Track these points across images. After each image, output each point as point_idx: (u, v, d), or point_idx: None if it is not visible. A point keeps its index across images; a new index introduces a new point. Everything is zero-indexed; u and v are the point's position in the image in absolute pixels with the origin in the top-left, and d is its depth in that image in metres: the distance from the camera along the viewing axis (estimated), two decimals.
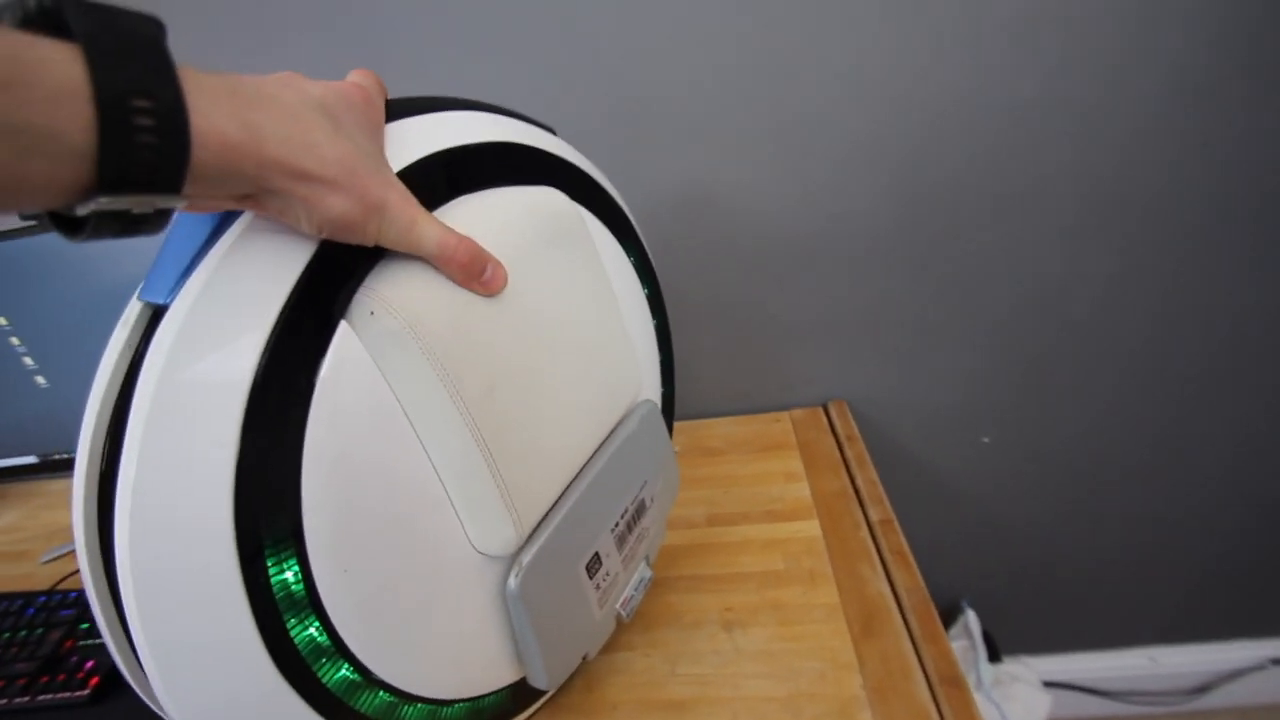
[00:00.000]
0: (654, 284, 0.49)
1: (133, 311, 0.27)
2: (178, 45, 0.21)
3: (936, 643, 0.46)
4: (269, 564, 0.26)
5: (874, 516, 0.58)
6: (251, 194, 0.24)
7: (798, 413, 0.76)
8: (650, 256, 0.49)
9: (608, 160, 0.48)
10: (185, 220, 0.27)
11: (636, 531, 0.45)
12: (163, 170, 0.20)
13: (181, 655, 0.26)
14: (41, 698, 0.51)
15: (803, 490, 0.63)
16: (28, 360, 0.66)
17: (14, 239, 0.60)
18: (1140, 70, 0.59)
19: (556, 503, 0.37)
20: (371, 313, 0.28)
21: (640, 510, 0.45)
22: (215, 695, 0.27)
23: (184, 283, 0.26)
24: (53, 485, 0.87)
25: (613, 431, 0.42)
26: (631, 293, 0.46)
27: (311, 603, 0.28)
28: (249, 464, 0.25)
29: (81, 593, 0.60)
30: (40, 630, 0.56)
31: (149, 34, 0.20)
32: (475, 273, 0.31)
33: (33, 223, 0.60)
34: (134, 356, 0.27)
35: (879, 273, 0.70)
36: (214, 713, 0.27)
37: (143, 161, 0.20)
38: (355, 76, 0.30)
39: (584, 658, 0.42)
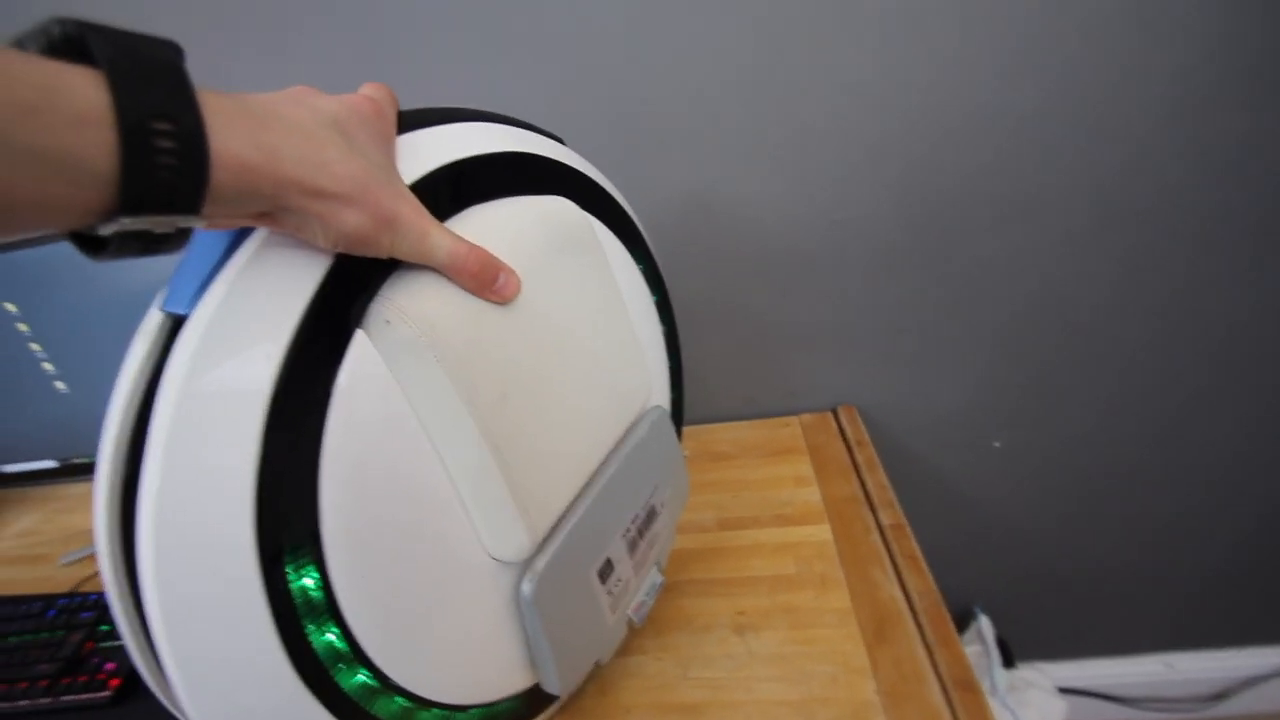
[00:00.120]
0: (663, 291, 0.50)
1: (153, 322, 0.28)
2: (193, 53, 0.21)
3: (950, 647, 0.46)
4: (288, 571, 0.27)
5: (885, 521, 0.58)
6: (268, 211, 0.24)
7: (807, 417, 0.76)
8: (659, 264, 0.49)
9: (616, 169, 0.48)
10: (204, 235, 0.28)
11: (648, 537, 0.45)
12: (182, 191, 0.21)
13: (204, 661, 0.26)
14: (64, 698, 0.52)
15: (813, 494, 0.63)
16: (47, 366, 0.67)
17: (34, 247, 0.61)
18: (1143, 78, 0.59)
19: (569, 509, 0.38)
20: (387, 322, 0.29)
21: (651, 516, 0.45)
22: (236, 700, 0.27)
23: (204, 295, 0.27)
24: (70, 489, 0.88)
25: (623, 438, 0.43)
26: (640, 300, 0.46)
27: (330, 609, 0.28)
28: (269, 471, 0.26)
29: (101, 595, 0.61)
30: (61, 632, 0.57)
31: (168, 59, 0.21)
32: (487, 281, 0.31)
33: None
34: (155, 366, 0.27)
35: (886, 278, 0.70)
36: (234, 718, 0.27)
37: (163, 183, 0.20)
38: (367, 89, 0.31)
39: (596, 663, 0.42)
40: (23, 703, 0.52)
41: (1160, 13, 0.56)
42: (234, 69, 0.64)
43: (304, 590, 0.27)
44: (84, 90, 0.19)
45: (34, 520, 0.83)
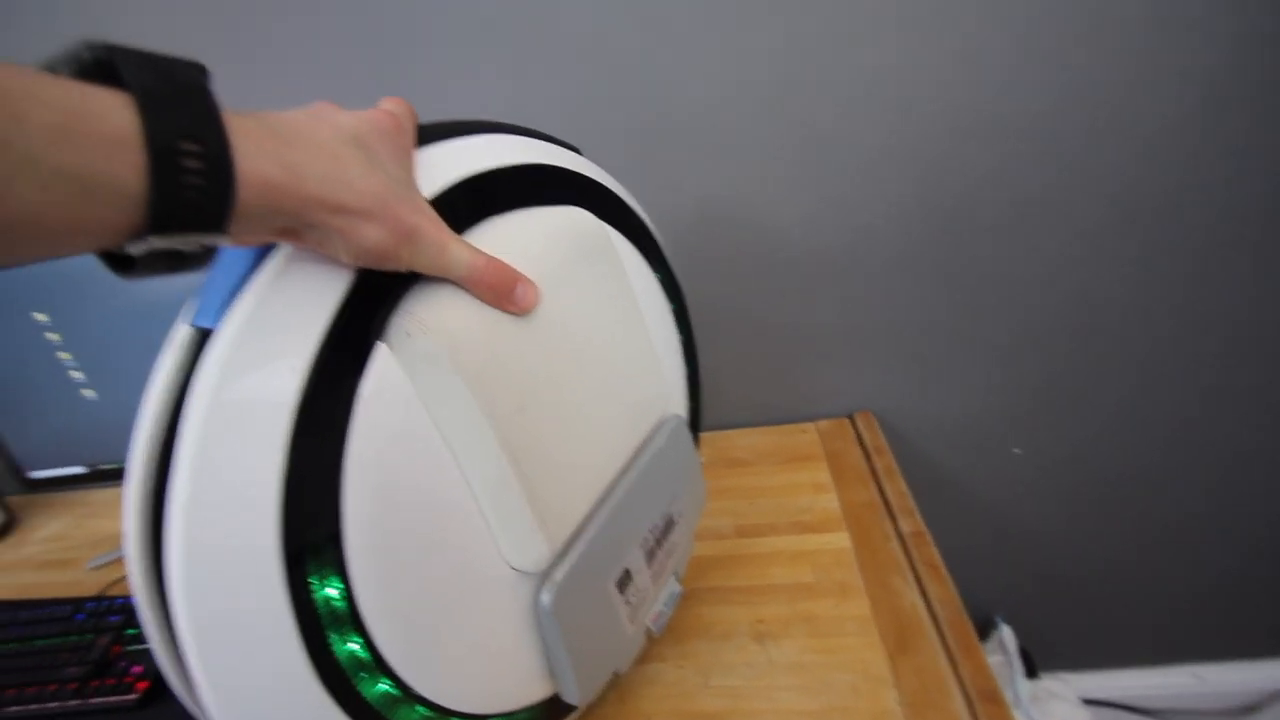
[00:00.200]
0: (680, 299, 0.50)
1: (181, 335, 0.28)
2: (212, 70, 0.22)
3: (973, 657, 0.46)
4: (312, 581, 0.27)
5: (905, 528, 0.57)
6: (291, 228, 0.25)
7: (824, 424, 0.76)
8: (675, 272, 0.49)
9: (632, 177, 0.48)
10: (229, 251, 0.28)
11: (665, 546, 0.45)
12: (209, 211, 0.21)
13: (231, 670, 0.27)
14: (93, 701, 0.53)
15: (831, 501, 0.63)
16: (76, 374, 0.69)
17: (63, 256, 0.63)
18: (1156, 79, 0.58)
19: (587, 519, 0.38)
20: (408, 334, 0.29)
21: (669, 525, 0.45)
22: (261, 709, 0.28)
23: (230, 309, 0.27)
24: (97, 495, 0.90)
25: (641, 447, 0.43)
26: (658, 309, 0.46)
27: (353, 618, 0.28)
28: (294, 482, 0.26)
29: (128, 599, 0.62)
30: (90, 635, 0.59)
31: (196, 81, 0.21)
32: (505, 293, 0.32)
33: None
34: (183, 379, 0.28)
35: (902, 284, 0.69)
36: None
37: (191, 203, 0.20)
38: (387, 104, 0.31)
39: (615, 673, 0.42)
40: (52, 705, 0.53)
41: (1172, 16, 0.56)
42: (253, 86, 0.65)
43: (328, 600, 0.28)
44: (114, 113, 0.19)
45: (62, 525, 0.85)
